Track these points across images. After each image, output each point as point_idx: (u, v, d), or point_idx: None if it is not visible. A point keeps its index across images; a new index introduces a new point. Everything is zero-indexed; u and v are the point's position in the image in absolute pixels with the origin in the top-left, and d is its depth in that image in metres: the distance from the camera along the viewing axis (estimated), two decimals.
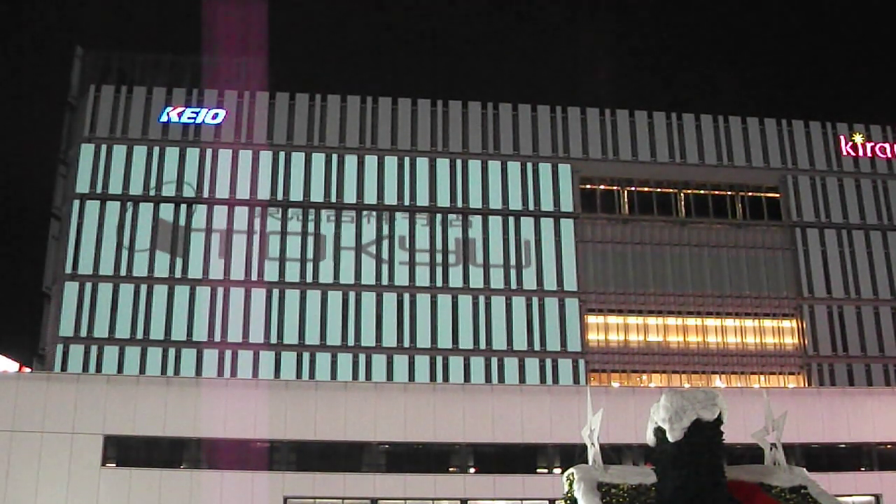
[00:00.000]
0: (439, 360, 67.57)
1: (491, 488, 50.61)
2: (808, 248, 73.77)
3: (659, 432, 28.70)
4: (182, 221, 68.99)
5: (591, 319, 70.70)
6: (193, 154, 70.36)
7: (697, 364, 70.28)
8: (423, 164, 72.31)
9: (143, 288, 67.17)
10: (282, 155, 71.20)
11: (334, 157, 71.81)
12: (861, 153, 76.41)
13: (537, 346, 68.67)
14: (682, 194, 74.25)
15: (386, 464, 51.29)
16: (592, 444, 30.56)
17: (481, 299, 69.52)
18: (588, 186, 73.61)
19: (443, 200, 71.56)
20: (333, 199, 70.87)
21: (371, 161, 72.00)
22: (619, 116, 75.21)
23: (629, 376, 69.28)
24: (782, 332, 72.31)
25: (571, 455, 43.90)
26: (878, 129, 77.58)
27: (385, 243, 70.16)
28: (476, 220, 71.35)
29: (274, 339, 66.91)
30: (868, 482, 52.81)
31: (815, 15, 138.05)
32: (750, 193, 75.00)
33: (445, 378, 66.40)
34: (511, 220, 71.59)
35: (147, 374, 63.08)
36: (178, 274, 67.69)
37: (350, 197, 70.99)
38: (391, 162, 72.20)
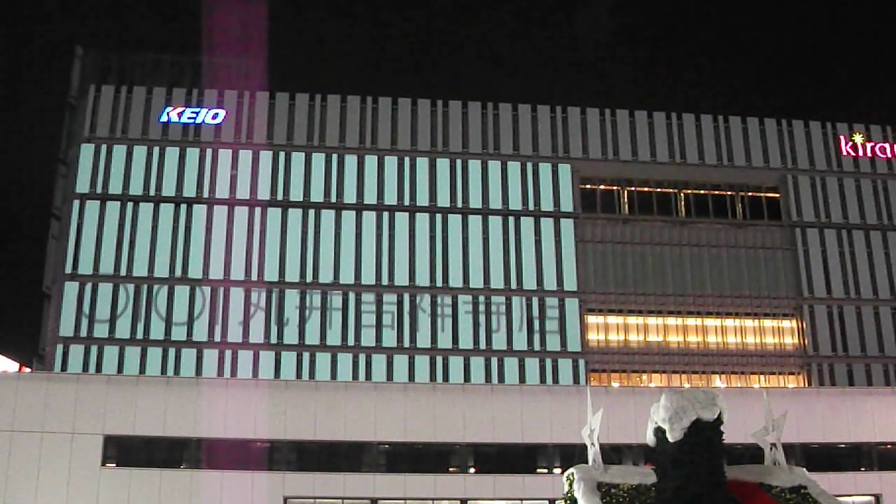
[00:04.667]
0: (439, 360, 67.58)
1: (491, 488, 50.59)
2: (808, 248, 73.78)
3: (659, 432, 28.68)
4: (182, 221, 69.01)
5: (591, 319, 70.70)
6: (193, 154, 70.38)
7: (697, 364, 70.26)
8: (423, 164, 72.32)
9: (143, 288, 67.18)
10: (282, 155, 71.21)
11: (334, 157, 71.83)
12: (861, 153, 76.42)
13: (537, 346, 68.68)
14: (682, 194, 74.26)
15: (386, 464, 51.27)
16: (592, 444, 30.52)
17: (481, 299, 69.52)
18: (588, 186, 73.62)
19: (443, 200, 71.57)
20: (333, 199, 70.88)
21: (371, 161, 72.01)
22: (619, 116, 75.21)
23: (629, 376, 69.29)
24: (782, 332, 72.32)
25: (571, 455, 43.84)
26: (878, 129, 77.59)
27: (385, 243, 70.17)
28: (476, 220, 71.35)
29: (274, 339, 66.92)
30: (868, 482, 52.77)
31: (816, 15, 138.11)
32: (750, 193, 75.01)
33: (445, 378, 66.41)
34: (511, 220, 71.59)
35: (147, 374, 63.10)
36: (178, 274, 67.70)
37: (350, 197, 71.00)
38: (391, 162, 72.21)
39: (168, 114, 70.98)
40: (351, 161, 71.83)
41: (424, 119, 73.59)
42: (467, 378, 66.53)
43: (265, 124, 71.60)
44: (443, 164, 72.48)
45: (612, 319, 70.97)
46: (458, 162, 72.66)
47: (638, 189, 73.87)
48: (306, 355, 66.81)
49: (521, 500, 50.43)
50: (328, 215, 70.44)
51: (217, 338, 66.44)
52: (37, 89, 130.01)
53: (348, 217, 70.53)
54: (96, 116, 70.85)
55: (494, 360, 67.95)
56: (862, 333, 72.09)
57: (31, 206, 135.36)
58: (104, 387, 50.52)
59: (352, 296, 68.73)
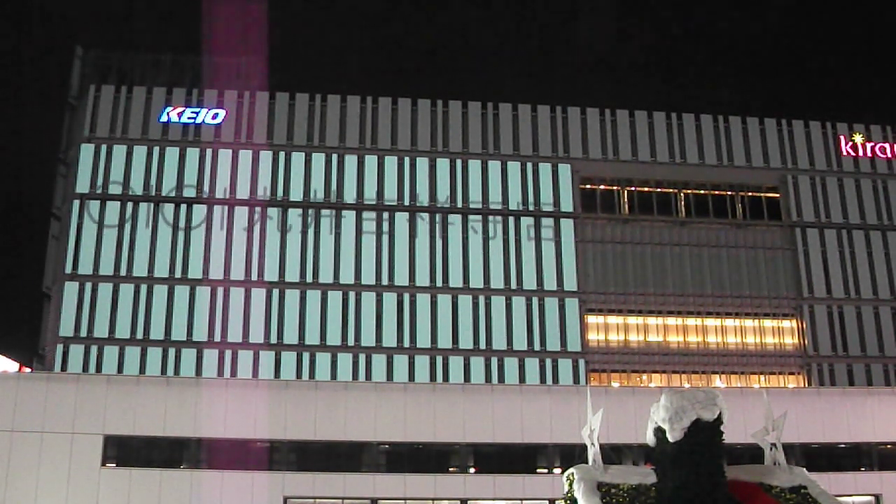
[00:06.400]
0: (439, 360, 67.58)
1: (491, 488, 50.59)
2: (808, 248, 73.79)
3: (659, 432, 28.71)
4: (182, 221, 69.01)
5: (591, 319, 70.71)
6: (193, 154, 70.38)
7: (697, 364, 70.28)
8: (423, 164, 72.32)
9: (143, 288, 67.18)
10: (282, 155, 71.21)
11: (334, 157, 71.83)
12: (861, 153, 76.45)
13: (537, 346, 68.68)
14: (682, 194, 74.26)
15: (386, 464, 51.26)
16: (592, 444, 30.54)
17: (481, 299, 69.52)
18: (588, 186, 73.63)
19: (443, 200, 71.58)
20: (333, 199, 70.88)
21: (371, 161, 72.01)
22: (619, 116, 75.24)
23: (629, 376, 69.29)
24: (782, 332, 72.32)
25: (571, 455, 43.85)
26: (878, 129, 77.64)
27: (385, 243, 70.17)
28: (476, 220, 71.36)
29: (274, 339, 66.93)
30: (868, 482, 52.79)
31: (815, 15, 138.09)
32: (750, 193, 75.02)
33: (445, 378, 66.43)
34: (511, 220, 71.59)
35: (147, 374, 63.10)
36: (178, 274, 67.69)
37: (350, 197, 71.01)
38: (391, 162, 72.21)
39: (168, 114, 70.98)
40: (351, 161, 71.84)
41: (424, 119, 73.60)
42: (467, 378, 66.54)
43: (265, 124, 71.61)
44: (443, 164, 72.48)
45: (612, 319, 70.97)
46: (458, 162, 72.66)
47: (638, 189, 73.87)
48: (306, 355, 66.82)
49: (521, 500, 50.43)
50: (328, 215, 70.45)
51: (217, 338, 66.44)
52: (37, 89, 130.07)
53: (348, 217, 70.53)
54: (96, 116, 70.85)
55: (494, 360, 67.96)
56: (862, 333, 72.11)
57: (31, 206, 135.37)
58: (104, 387, 50.51)
59: (352, 296, 68.72)
